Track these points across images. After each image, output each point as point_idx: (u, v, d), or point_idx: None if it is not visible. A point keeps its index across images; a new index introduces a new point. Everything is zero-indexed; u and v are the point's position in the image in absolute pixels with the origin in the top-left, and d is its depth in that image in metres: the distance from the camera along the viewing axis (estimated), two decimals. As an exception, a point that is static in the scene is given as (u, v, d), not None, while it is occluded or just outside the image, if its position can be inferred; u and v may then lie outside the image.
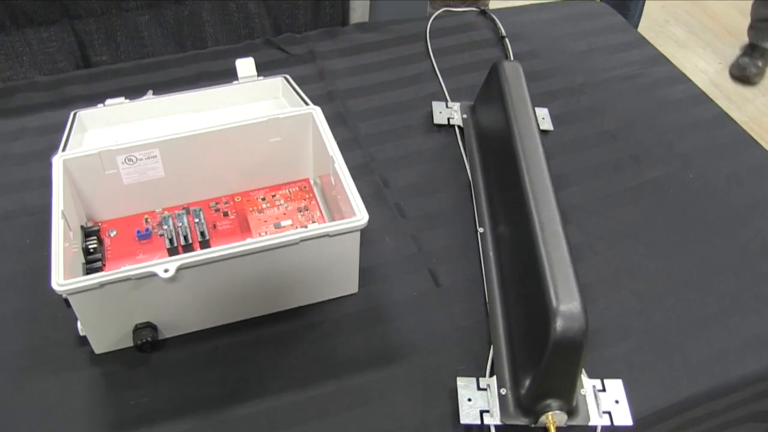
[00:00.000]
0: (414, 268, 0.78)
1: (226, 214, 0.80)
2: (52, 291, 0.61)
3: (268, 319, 0.72)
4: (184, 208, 0.80)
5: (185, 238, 0.70)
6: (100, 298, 0.64)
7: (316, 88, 0.99)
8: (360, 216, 0.67)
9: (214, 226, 0.79)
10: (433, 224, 0.82)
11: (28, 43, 0.98)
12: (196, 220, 0.72)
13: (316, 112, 0.78)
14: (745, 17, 2.17)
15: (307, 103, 0.83)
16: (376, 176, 0.87)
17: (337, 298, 0.74)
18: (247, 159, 0.80)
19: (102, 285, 0.62)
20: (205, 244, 0.72)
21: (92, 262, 0.74)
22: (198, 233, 0.71)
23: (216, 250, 0.64)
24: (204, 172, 0.79)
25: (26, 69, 1.00)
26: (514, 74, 0.84)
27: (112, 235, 0.78)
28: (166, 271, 0.62)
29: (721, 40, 2.28)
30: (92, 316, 0.66)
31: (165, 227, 0.71)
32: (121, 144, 0.74)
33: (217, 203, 0.81)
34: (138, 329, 0.68)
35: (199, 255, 0.63)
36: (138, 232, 0.78)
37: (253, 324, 0.72)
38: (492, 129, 0.86)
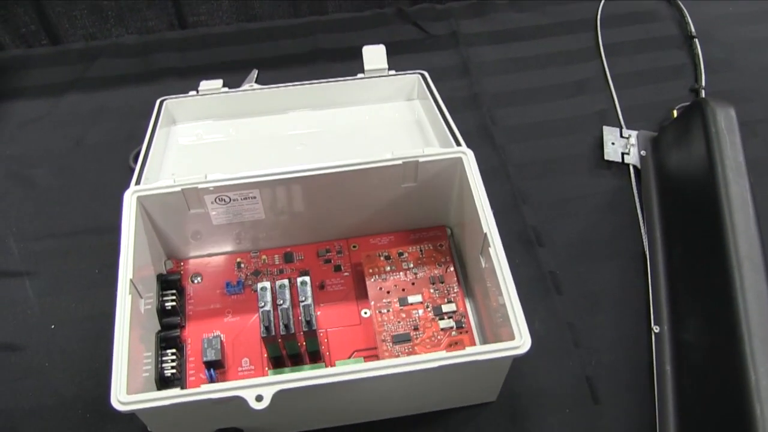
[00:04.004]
0: (568, 371, 0.60)
1: (338, 269, 0.64)
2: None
3: (380, 426, 0.57)
4: (286, 253, 0.65)
5: (286, 326, 0.54)
6: (174, 413, 0.49)
7: (459, 87, 0.80)
8: (520, 341, 0.49)
9: (322, 286, 0.63)
10: (595, 308, 0.64)
11: (114, -4, 0.81)
12: (302, 299, 0.56)
13: (467, 157, 0.59)
14: None
15: (445, 118, 0.65)
16: (528, 228, 0.69)
17: (470, 406, 0.58)
18: (370, 204, 0.63)
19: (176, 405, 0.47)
20: (310, 334, 0.56)
21: (169, 327, 0.59)
22: (303, 322, 0.55)
23: (329, 374, 0.48)
24: (315, 215, 0.63)
25: (111, 26, 0.84)
26: (728, 125, 0.63)
27: (196, 281, 0.63)
28: (259, 398, 0.47)
29: None
30: (164, 425, 0.52)
31: (261, 306, 0.55)
32: (210, 181, 0.58)
33: (328, 250, 0.65)
34: (221, 434, 0.53)
35: (303, 379, 0.47)
36: (228, 284, 0.62)
37: (362, 429, 0.57)
38: (685, 187, 0.66)
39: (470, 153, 0.59)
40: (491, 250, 0.54)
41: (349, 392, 0.51)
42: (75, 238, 0.68)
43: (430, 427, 0.57)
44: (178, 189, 0.57)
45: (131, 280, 0.52)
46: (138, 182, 0.59)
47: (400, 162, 0.59)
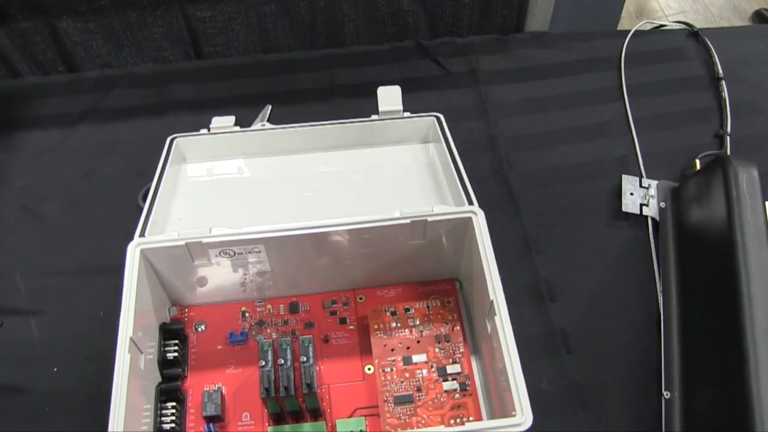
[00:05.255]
0: (575, 437, 0.59)
1: (344, 321, 0.63)
2: None
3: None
4: (291, 303, 0.64)
5: (286, 389, 0.54)
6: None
7: (476, 128, 0.78)
8: (521, 418, 0.48)
9: (327, 340, 0.62)
10: (605, 369, 0.62)
11: (129, 27, 0.80)
12: (303, 360, 0.55)
13: (477, 218, 0.58)
14: None
15: (458, 171, 0.63)
16: (540, 281, 0.67)
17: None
18: (377, 258, 0.62)
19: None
20: (311, 398, 0.55)
21: (170, 379, 0.58)
22: (304, 384, 0.54)
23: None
24: (321, 267, 0.62)
25: (127, 55, 0.83)
26: (750, 187, 0.61)
27: (199, 330, 0.63)
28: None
29: None
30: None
31: (262, 366, 0.54)
32: (214, 236, 0.57)
33: (334, 301, 0.64)
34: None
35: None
36: (231, 334, 0.62)
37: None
38: (703, 248, 0.64)
39: (480, 213, 0.58)
40: (497, 319, 0.53)
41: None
42: (81, 276, 0.67)
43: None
44: (182, 243, 0.57)
45: (131, 338, 0.52)
46: (143, 233, 0.58)
47: (408, 221, 0.58)
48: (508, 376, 0.50)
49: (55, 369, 0.62)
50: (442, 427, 0.48)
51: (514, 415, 0.48)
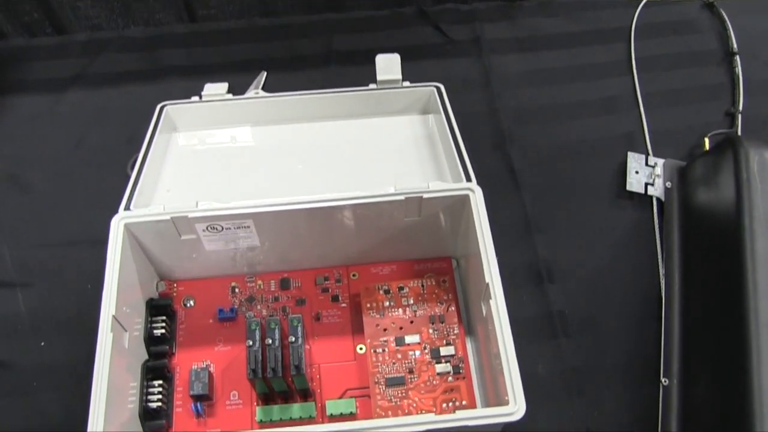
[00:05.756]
0: (569, 422, 0.58)
1: (336, 299, 0.61)
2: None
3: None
4: (282, 279, 0.62)
5: (273, 370, 0.52)
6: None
7: (478, 101, 0.75)
8: (514, 407, 0.47)
9: (318, 318, 0.60)
10: (603, 354, 0.61)
11: (119, -13, 0.77)
12: (292, 340, 0.53)
13: (475, 195, 0.56)
14: None
15: (457, 146, 0.61)
16: (539, 260, 0.65)
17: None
18: (370, 235, 0.60)
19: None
20: (300, 378, 0.53)
21: (157, 356, 0.57)
22: (292, 366, 0.52)
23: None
24: (312, 243, 0.60)
25: (117, 17, 0.80)
26: (761, 170, 0.58)
27: (188, 305, 0.61)
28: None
29: None
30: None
31: (249, 345, 0.52)
32: (200, 210, 0.55)
33: (326, 278, 0.62)
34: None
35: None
36: (221, 311, 0.60)
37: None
38: (709, 232, 0.62)
39: (478, 191, 0.56)
40: (492, 302, 0.51)
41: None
42: (70, 248, 0.65)
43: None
44: (168, 217, 0.55)
45: (114, 317, 0.50)
46: (128, 206, 0.56)
47: (402, 198, 0.56)
48: (502, 363, 0.48)
49: (43, 343, 0.61)
50: (432, 415, 0.47)
51: (508, 403, 0.47)
